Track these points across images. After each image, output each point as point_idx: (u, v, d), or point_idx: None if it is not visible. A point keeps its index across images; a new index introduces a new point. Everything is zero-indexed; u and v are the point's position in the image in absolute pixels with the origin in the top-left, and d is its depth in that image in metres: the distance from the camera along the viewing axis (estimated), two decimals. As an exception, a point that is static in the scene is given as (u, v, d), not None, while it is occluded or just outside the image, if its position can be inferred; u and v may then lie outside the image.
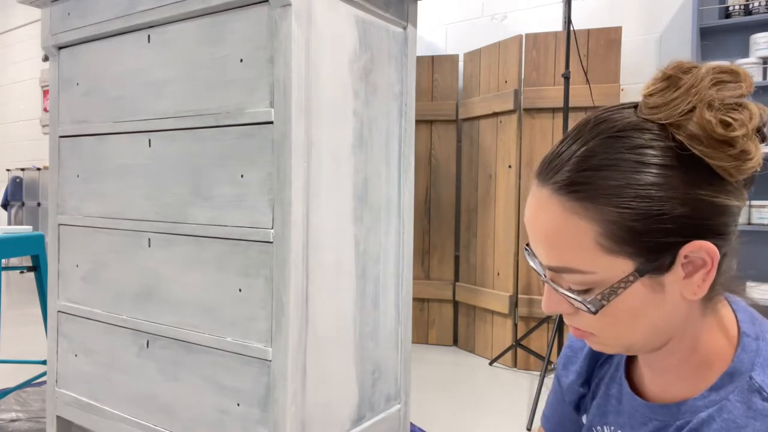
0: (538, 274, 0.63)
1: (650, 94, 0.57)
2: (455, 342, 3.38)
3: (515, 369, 2.93)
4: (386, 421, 1.46)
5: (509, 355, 2.95)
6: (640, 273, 0.55)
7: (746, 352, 0.58)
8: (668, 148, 0.55)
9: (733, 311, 0.62)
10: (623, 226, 0.54)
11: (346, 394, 1.33)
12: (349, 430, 1.34)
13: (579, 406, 0.80)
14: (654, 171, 0.54)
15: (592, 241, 0.56)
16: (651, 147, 0.55)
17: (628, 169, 0.54)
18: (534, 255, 0.63)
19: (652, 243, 0.55)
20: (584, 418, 0.79)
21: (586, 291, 0.58)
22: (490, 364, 3.00)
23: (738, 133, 0.53)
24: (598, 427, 0.74)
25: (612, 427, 0.71)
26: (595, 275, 0.57)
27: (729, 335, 0.60)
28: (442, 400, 2.46)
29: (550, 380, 2.73)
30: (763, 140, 0.56)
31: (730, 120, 0.53)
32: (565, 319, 0.63)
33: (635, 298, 0.57)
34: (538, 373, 2.85)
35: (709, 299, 0.60)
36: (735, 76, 0.56)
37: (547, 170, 0.58)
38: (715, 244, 0.55)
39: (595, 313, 0.58)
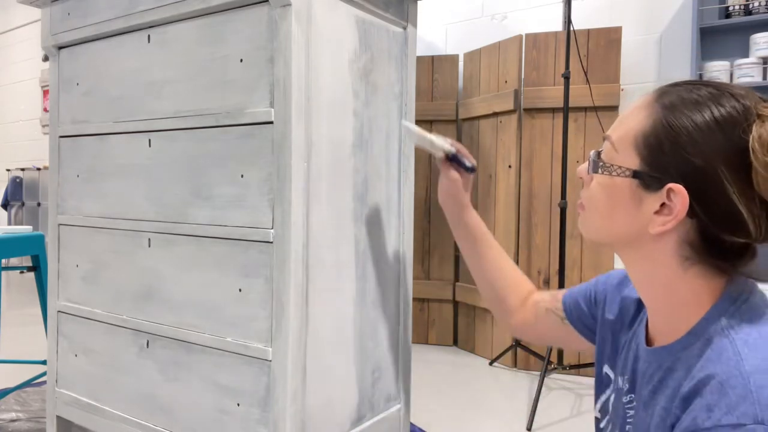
0: None
1: None
2: (455, 342, 3.38)
3: (515, 369, 2.93)
4: (386, 421, 1.46)
5: (509, 355, 2.95)
6: (634, 173, 0.68)
7: (724, 303, 0.66)
8: (737, 122, 0.63)
9: (728, 283, 0.68)
10: (656, 135, 0.67)
11: (346, 394, 1.33)
12: (349, 430, 1.34)
13: (581, 326, 0.97)
14: (707, 120, 0.64)
15: (634, 133, 0.69)
16: (725, 109, 0.64)
17: (695, 108, 0.65)
18: None
19: (659, 161, 0.66)
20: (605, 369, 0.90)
21: (603, 163, 0.72)
22: (490, 364, 3.00)
23: None
24: (611, 375, 0.86)
25: (623, 375, 0.82)
26: (615, 153, 0.71)
27: (712, 294, 0.68)
28: (442, 400, 2.46)
29: (550, 380, 2.73)
30: None
31: None
32: (581, 192, 0.78)
33: (617, 191, 0.71)
34: (538, 373, 2.85)
35: (696, 263, 0.68)
36: None
37: (666, 86, 0.71)
38: (695, 215, 0.65)
39: (590, 171, 0.73)
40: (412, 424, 2.17)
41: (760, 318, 0.64)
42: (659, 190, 0.66)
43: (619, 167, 0.69)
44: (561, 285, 2.60)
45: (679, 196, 0.64)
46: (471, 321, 3.24)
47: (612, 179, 0.70)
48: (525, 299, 1.08)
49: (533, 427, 2.18)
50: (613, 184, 0.70)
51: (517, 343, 2.85)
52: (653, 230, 0.67)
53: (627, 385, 0.79)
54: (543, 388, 2.61)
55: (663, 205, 0.67)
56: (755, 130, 0.61)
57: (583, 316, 0.96)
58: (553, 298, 1.02)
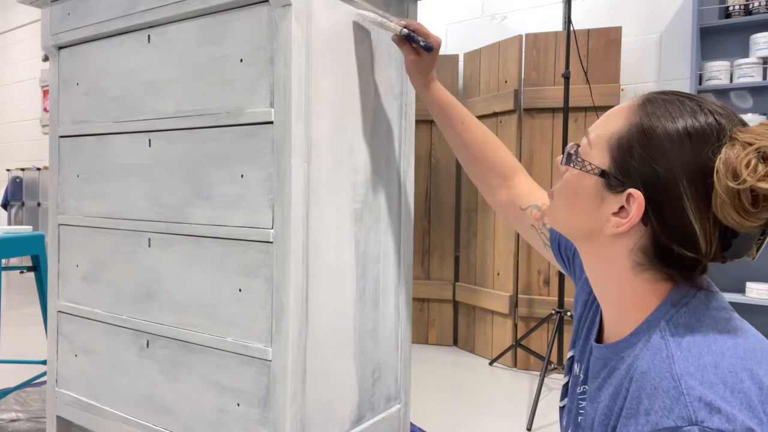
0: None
1: (764, 123, 0.65)
2: (455, 342, 3.38)
3: (515, 369, 2.93)
4: (386, 421, 1.46)
5: (509, 355, 2.95)
6: (602, 172, 0.70)
7: (666, 305, 0.68)
8: (708, 139, 0.63)
9: (674, 287, 0.69)
10: (629, 139, 0.68)
11: (346, 394, 1.33)
12: (349, 430, 1.34)
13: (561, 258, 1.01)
14: (679, 131, 0.64)
15: (611, 133, 0.70)
16: (699, 124, 0.64)
17: (672, 118, 0.65)
18: None
19: (626, 165, 0.67)
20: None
21: (576, 157, 0.74)
22: (490, 364, 3.00)
23: (749, 180, 0.59)
24: (573, 358, 0.88)
25: (579, 363, 0.84)
26: (590, 150, 0.72)
27: (658, 296, 0.69)
28: (442, 400, 2.46)
29: (550, 380, 2.73)
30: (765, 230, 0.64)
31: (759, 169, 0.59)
32: (555, 182, 0.79)
33: (584, 187, 0.72)
34: (538, 373, 2.85)
35: (647, 269, 0.69)
36: None
37: (654, 93, 0.72)
38: (649, 221, 0.66)
39: (563, 163, 0.75)
40: (412, 424, 2.17)
41: (697, 321, 0.65)
42: (621, 193, 0.68)
43: (590, 164, 0.71)
44: (561, 285, 2.59)
45: (637, 202, 0.66)
46: (471, 321, 3.24)
47: (582, 174, 0.72)
48: (508, 181, 1.12)
49: (533, 427, 2.18)
50: (582, 178, 0.72)
51: (517, 343, 2.85)
52: (607, 231, 0.69)
53: (582, 376, 0.82)
54: (543, 388, 2.61)
55: (622, 208, 0.68)
56: (724, 152, 0.62)
57: (568, 251, 0.98)
58: (540, 218, 1.04)
